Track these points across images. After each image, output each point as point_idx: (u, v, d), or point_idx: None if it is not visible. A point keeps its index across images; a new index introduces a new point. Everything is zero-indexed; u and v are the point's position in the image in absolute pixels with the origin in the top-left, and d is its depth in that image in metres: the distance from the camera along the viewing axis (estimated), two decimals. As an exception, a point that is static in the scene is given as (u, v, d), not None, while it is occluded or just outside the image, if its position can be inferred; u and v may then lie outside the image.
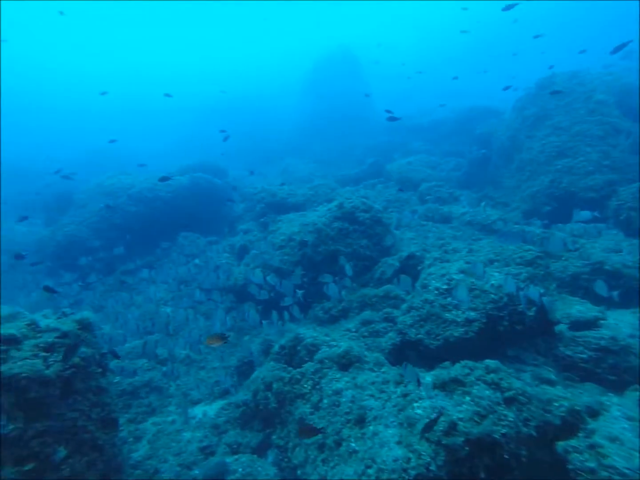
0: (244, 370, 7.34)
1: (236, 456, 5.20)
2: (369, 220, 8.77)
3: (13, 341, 3.09)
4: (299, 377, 5.32)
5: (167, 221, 14.27)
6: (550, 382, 4.22)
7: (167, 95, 17.43)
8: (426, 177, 16.12)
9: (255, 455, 5.22)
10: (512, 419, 2.95)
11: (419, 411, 3.25)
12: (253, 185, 18.20)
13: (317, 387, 5.02)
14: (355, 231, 8.60)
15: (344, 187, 16.50)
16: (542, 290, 5.30)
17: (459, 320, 5.61)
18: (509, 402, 3.15)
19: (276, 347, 6.36)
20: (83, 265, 12.73)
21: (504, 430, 2.92)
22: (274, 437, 5.28)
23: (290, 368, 5.68)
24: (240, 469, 4.88)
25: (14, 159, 32.13)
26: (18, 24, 61.28)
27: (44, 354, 3.21)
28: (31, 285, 12.56)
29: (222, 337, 4.15)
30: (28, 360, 2.98)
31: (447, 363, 4.22)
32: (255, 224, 13.69)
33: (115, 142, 14.30)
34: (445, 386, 3.45)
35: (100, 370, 3.88)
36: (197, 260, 12.15)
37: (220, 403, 6.67)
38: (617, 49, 11.32)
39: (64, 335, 3.48)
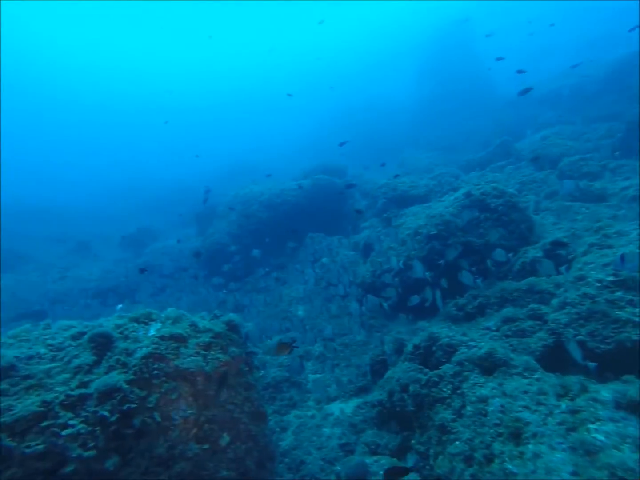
0: (377, 369, 7.29)
1: (375, 457, 5.17)
2: (502, 207, 7.86)
3: (182, 339, 3.56)
4: (436, 379, 5.02)
5: (295, 224, 15.23)
6: None
7: (289, 95, 18.40)
8: (567, 151, 13.80)
9: (394, 459, 5.11)
10: None
11: (599, 436, 2.65)
12: (372, 181, 18.21)
13: (458, 391, 4.65)
14: (488, 219, 7.79)
15: (469, 174, 15.24)
16: None
17: (636, 319, 4.57)
18: None
19: (410, 347, 6.13)
20: (226, 271, 14.46)
21: None
22: (413, 441, 5.08)
23: (426, 370, 5.41)
24: (381, 472, 4.82)
25: (179, 182, 38.69)
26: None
27: (203, 352, 3.63)
28: (190, 288, 14.78)
29: (289, 346, 4.32)
30: (192, 357, 3.40)
31: (630, 376, 3.43)
32: (378, 220, 13.62)
33: (249, 153, 15.68)
34: (636, 409, 2.75)
35: (247, 368, 4.25)
36: (324, 260, 12.67)
37: (355, 401, 6.76)
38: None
39: (217, 335, 3.90)
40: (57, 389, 2.95)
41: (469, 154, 18.73)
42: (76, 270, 19.06)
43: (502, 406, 3.92)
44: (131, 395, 2.96)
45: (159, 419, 3.04)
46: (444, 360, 5.36)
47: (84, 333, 3.48)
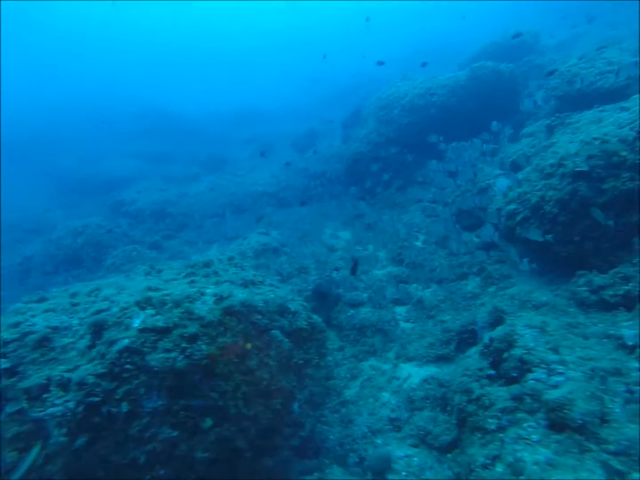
0: (466, 338, 6.14)
1: (411, 451, 4.64)
2: None
3: (165, 331, 3.70)
4: (487, 402, 3.85)
5: (440, 129, 12.87)
6: None
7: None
8: None
9: (432, 461, 4.46)
10: None
11: None
12: (571, 57, 13.23)
13: (501, 435, 3.46)
14: (693, 152, 4.59)
15: None
16: None
17: None
18: None
19: (487, 338, 4.79)
20: (372, 177, 13.79)
21: None
22: (449, 455, 4.27)
23: (485, 380, 4.18)
24: (404, 473, 4.35)
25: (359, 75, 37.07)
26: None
27: (184, 344, 3.70)
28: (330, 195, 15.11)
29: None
30: (164, 355, 3.52)
31: None
32: (546, 124, 10.11)
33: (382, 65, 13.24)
34: None
35: (252, 352, 4.17)
36: (460, 181, 10.54)
37: (430, 370, 6.01)
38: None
39: (207, 324, 3.88)
40: (59, 367, 3.59)
41: None
42: (253, 174, 21.95)
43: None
44: (97, 389, 3.35)
45: (126, 408, 3.40)
46: (514, 375, 3.99)
47: (102, 310, 4.02)
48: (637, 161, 4.86)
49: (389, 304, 7.86)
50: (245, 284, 5.77)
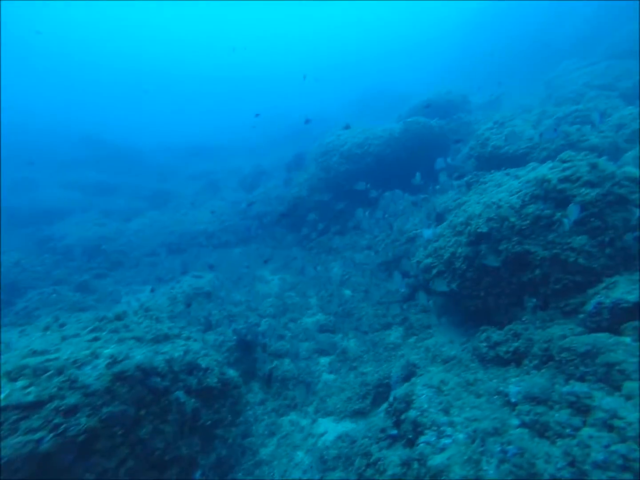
0: (382, 392, 6.21)
1: (316, 520, 4.49)
2: (600, 202, 5.06)
3: (34, 406, 3.37)
4: (381, 467, 3.85)
5: (377, 178, 13.58)
6: None
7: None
8: None
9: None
10: None
11: None
12: (491, 119, 14.66)
13: (390, 504, 3.46)
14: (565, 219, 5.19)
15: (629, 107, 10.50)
16: None
17: None
18: None
19: (392, 396, 4.87)
20: (309, 225, 14.05)
21: None
22: (350, 525, 4.18)
23: (384, 443, 4.21)
24: None
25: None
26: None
27: (59, 419, 3.39)
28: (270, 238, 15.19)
29: None
30: (24, 437, 3.18)
31: None
32: (465, 180, 11.02)
33: (310, 122, 13.86)
34: None
35: (143, 421, 3.91)
36: (395, 226, 11.05)
37: (346, 426, 5.96)
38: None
39: (91, 393, 3.60)
40: None
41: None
42: (196, 212, 21.54)
43: None
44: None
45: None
46: (410, 437, 4.05)
47: None
48: (523, 227, 5.38)
49: (313, 354, 7.81)
50: (156, 339, 5.51)
